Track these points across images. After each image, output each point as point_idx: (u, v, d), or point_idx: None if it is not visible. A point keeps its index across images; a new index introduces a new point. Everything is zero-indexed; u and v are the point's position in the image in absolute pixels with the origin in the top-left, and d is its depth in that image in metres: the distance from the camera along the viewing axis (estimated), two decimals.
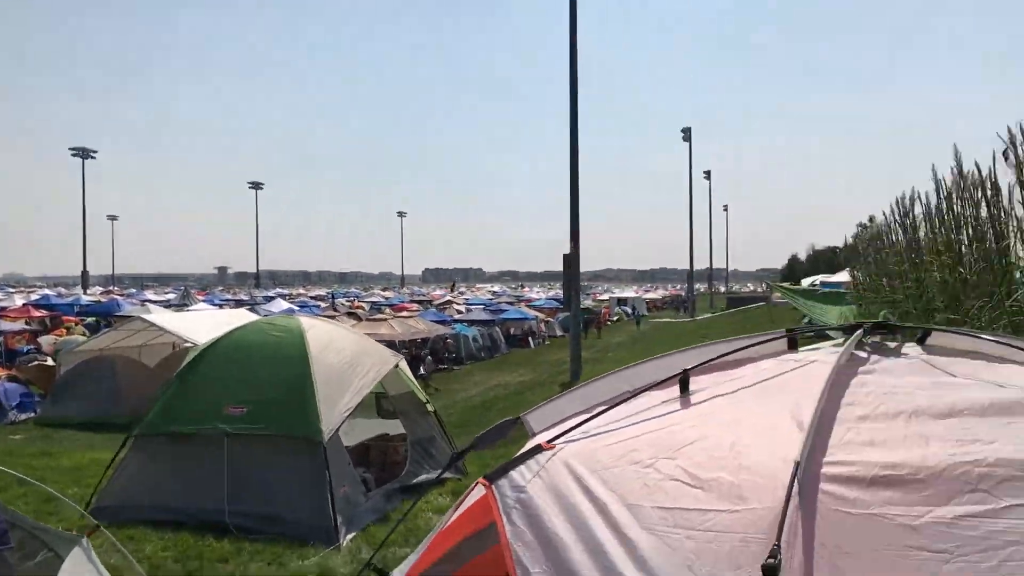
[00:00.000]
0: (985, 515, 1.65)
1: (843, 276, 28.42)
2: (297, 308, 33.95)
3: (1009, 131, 7.90)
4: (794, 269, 71.80)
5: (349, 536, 6.86)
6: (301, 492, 6.98)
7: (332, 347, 7.89)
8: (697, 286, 71.37)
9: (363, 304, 45.67)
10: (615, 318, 53.13)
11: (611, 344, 32.67)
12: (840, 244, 32.68)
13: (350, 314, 29.97)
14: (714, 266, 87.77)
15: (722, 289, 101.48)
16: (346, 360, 7.85)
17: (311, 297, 59.01)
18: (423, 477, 8.24)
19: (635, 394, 2.36)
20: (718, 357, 2.43)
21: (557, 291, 63.52)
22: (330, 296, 58.87)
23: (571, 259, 20.21)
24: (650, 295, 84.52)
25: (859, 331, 2.37)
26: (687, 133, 59.28)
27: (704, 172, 72.21)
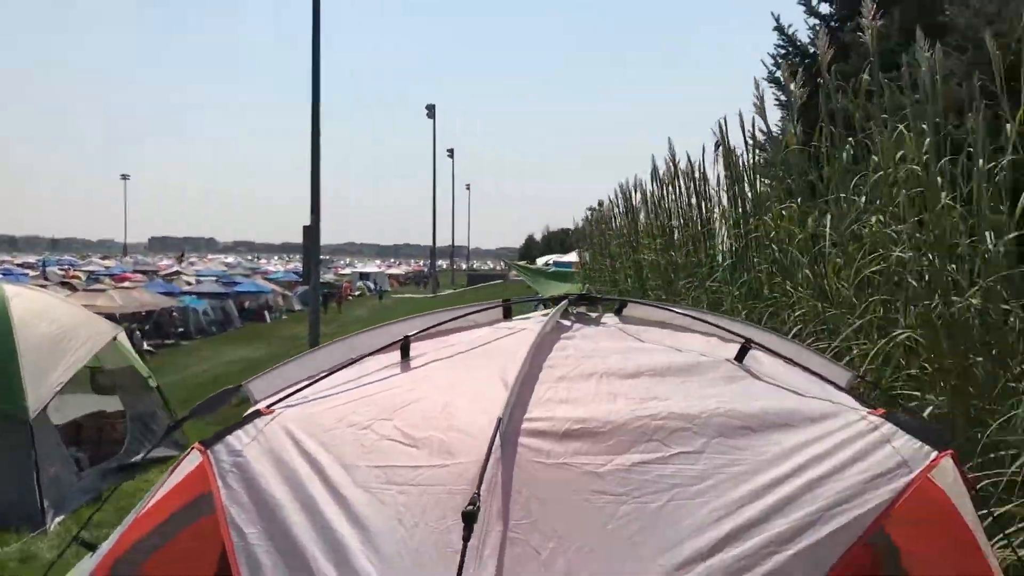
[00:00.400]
0: (657, 461, 1.89)
1: (573, 256, 30.17)
2: (1, 276, 30.78)
3: (720, 125, 8.70)
4: (531, 248, 74.95)
5: (58, 519, 6.41)
6: (2, 474, 6.41)
7: (41, 318, 7.27)
8: (440, 262, 72.53)
9: (79, 273, 42.15)
10: (357, 292, 52.82)
11: (352, 318, 32.50)
12: (572, 226, 34.52)
13: (64, 284, 27.60)
14: (456, 243, 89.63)
15: (463, 266, 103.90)
16: (57, 332, 7.26)
17: (18, 264, 53.58)
18: (144, 455, 7.84)
19: (357, 360, 2.43)
20: (437, 324, 2.56)
21: (296, 264, 62.12)
22: (40, 264, 53.74)
23: (311, 231, 19.78)
24: (393, 270, 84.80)
25: (564, 302, 2.58)
26: (431, 110, 59.88)
27: (448, 150, 73.38)
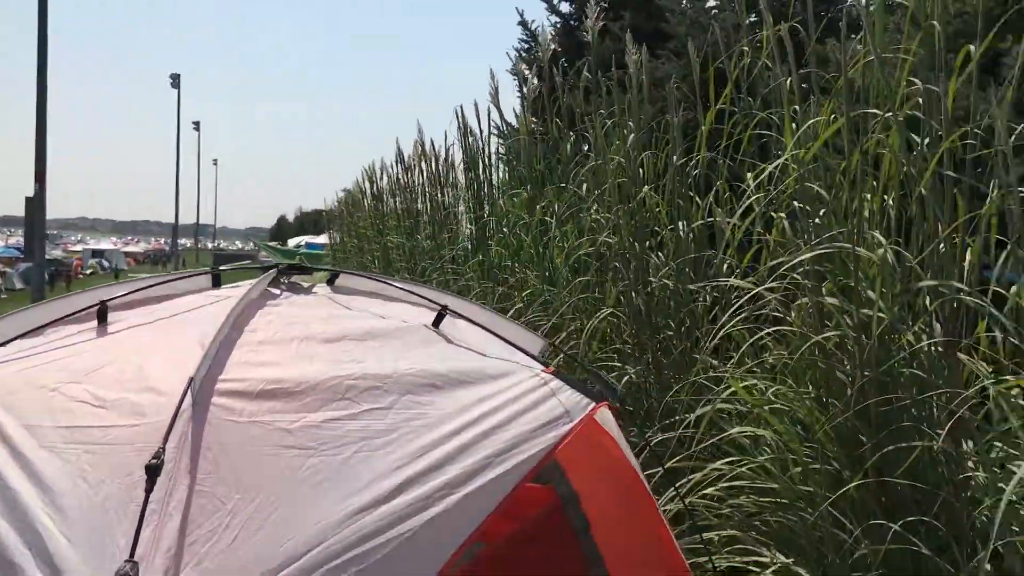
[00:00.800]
0: (346, 418, 2.02)
1: (325, 238, 29.85)
2: None
3: (458, 112, 8.98)
4: (283, 229, 73.03)
5: None
6: None
7: None
8: (184, 241, 68.82)
9: None
10: (89, 271, 49.10)
11: None
12: (326, 207, 34.18)
13: None
14: (202, 221, 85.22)
15: (209, 245, 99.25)
16: None
17: None
18: None
19: (51, 324, 2.37)
20: (138, 290, 2.54)
21: (18, 238, 56.61)
22: None
23: (35, 202, 18.12)
24: (131, 248, 79.42)
25: (273, 270, 2.65)
26: (176, 80, 56.57)
27: (193, 123, 69.58)
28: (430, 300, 2.69)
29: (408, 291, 2.76)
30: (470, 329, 2.61)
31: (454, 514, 1.92)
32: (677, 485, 3.31)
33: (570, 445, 2.23)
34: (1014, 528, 2.79)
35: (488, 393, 2.17)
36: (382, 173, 13.02)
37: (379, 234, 13.01)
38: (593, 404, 2.21)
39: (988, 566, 2.74)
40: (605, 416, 2.33)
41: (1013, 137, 2.66)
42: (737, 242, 4.15)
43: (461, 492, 1.94)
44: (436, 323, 2.50)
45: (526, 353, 2.55)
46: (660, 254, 4.92)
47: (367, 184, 14.28)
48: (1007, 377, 2.79)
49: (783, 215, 3.72)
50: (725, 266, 4.42)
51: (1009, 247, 2.98)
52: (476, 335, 2.58)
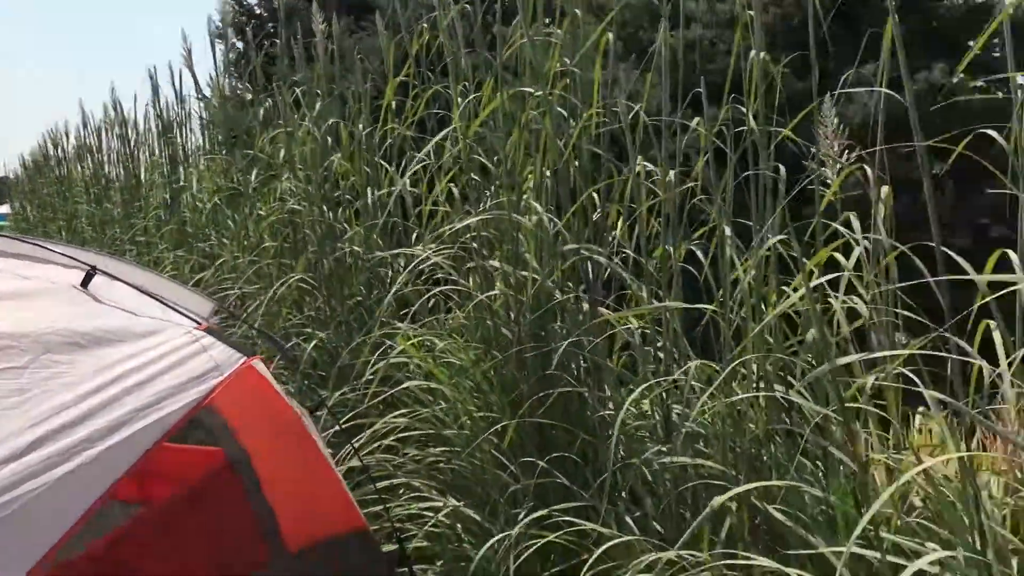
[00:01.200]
0: None
1: (7, 208, 27.06)
2: None
3: (151, 73, 8.51)
4: None
5: None
6: None
7: None
8: None
9: None
10: None
11: None
12: (8, 174, 30.85)
13: None
14: None
15: None
16: None
17: None
18: None
19: None
20: None
21: None
22: None
23: None
24: None
25: None
26: None
27: None
28: (82, 262, 2.63)
29: (61, 253, 2.67)
30: (125, 290, 2.58)
31: (94, 468, 1.93)
32: (353, 440, 3.45)
33: (229, 400, 2.30)
34: (646, 457, 3.18)
35: (135, 351, 2.18)
36: (67, 136, 12.07)
37: (65, 202, 12.06)
38: (245, 358, 2.29)
39: (624, 494, 3.12)
40: (265, 372, 2.41)
41: (631, 116, 3.04)
42: (428, 211, 4.34)
43: (101, 446, 1.96)
44: (85, 283, 2.46)
45: (185, 314, 2.57)
46: (357, 222, 5.02)
47: (51, 148, 13.14)
48: (630, 325, 3.19)
49: (452, 185, 3.97)
50: (415, 234, 4.62)
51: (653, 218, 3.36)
52: (130, 296, 2.56)
